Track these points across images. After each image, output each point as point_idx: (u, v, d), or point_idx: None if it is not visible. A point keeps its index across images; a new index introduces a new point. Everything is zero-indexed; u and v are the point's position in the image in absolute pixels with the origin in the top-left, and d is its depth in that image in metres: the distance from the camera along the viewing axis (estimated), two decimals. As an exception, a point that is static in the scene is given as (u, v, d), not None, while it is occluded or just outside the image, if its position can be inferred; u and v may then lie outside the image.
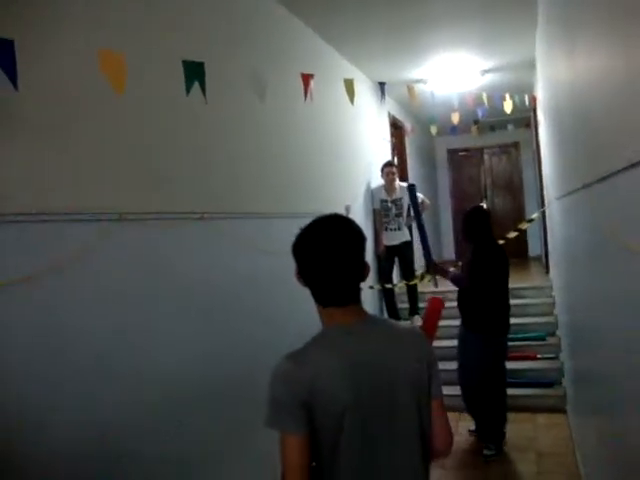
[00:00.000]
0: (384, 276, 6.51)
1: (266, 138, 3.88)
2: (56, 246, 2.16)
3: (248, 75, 3.54)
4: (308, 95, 3.77)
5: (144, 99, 2.66)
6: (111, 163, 2.46)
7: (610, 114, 1.94)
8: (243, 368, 3.33)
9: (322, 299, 1.60)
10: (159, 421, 2.62)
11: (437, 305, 3.57)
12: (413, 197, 5.03)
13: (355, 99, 4.32)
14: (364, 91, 6.49)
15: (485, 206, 11.22)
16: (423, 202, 6.68)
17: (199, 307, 3.01)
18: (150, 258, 2.67)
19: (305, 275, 1.59)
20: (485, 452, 4.43)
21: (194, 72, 2.58)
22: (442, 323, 6.13)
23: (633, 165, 1.56)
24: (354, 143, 6.15)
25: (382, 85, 6.82)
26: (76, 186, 2.28)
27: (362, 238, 1.62)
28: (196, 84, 2.64)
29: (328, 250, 1.55)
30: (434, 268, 4.69)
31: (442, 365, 5.23)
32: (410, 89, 6.07)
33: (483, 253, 4.30)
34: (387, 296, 6.56)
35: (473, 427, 4.69)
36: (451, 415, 1.81)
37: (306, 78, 3.74)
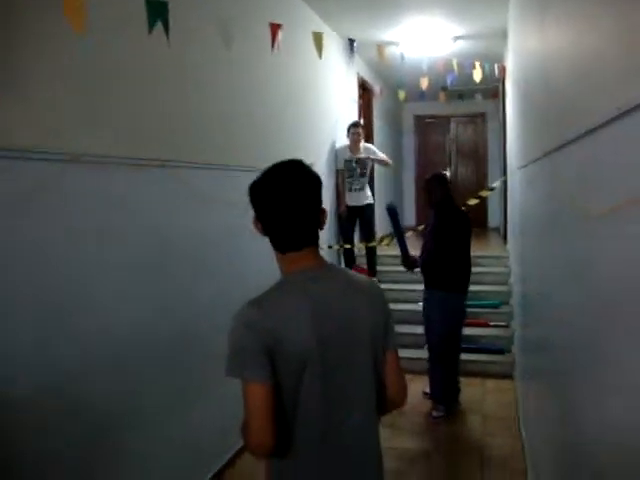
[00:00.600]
0: (345, 236, 6.52)
1: (231, 88, 3.80)
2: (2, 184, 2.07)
3: (214, 21, 3.44)
4: (276, 46, 3.69)
5: (105, 38, 2.56)
6: (68, 102, 2.37)
7: (573, 83, 1.94)
8: (197, 322, 3.31)
9: (280, 244, 1.59)
10: (111, 372, 2.59)
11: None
12: (395, 220, 4.74)
13: (324, 55, 4.25)
14: (333, 48, 6.39)
15: (448, 174, 11.34)
16: (384, 160, 6.80)
17: (155, 257, 2.96)
18: (107, 203, 2.60)
19: (263, 220, 1.58)
20: (434, 413, 4.54)
21: (157, 11, 2.49)
22: (405, 287, 6.34)
23: (591, 131, 1.57)
24: (321, 100, 6.08)
25: (352, 42, 6.71)
26: (27, 123, 2.18)
27: (318, 181, 1.62)
28: (159, 26, 2.54)
29: (284, 192, 1.54)
30: (411, 264, 4.73)
31: (404, 328, 5.35)
32: (380, 49, 6.00)
33: (446, 215, 4.40)
34: (347, 256, 6.58)
35: (427, 389, 4.78)
36: (406, 376, 1.85)
37: (274, 28, 3.66)
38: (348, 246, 6.44)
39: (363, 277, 1.74)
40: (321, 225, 1.63)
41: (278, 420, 1.47)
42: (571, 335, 2.02)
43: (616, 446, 1.38)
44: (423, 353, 4.85)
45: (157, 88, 2.96)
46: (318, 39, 4.18)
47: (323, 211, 1.63)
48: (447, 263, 4.39)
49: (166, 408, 3.01)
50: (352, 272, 1.76)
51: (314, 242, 1.61)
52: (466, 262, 4.53)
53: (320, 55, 4.21)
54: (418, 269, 4.67)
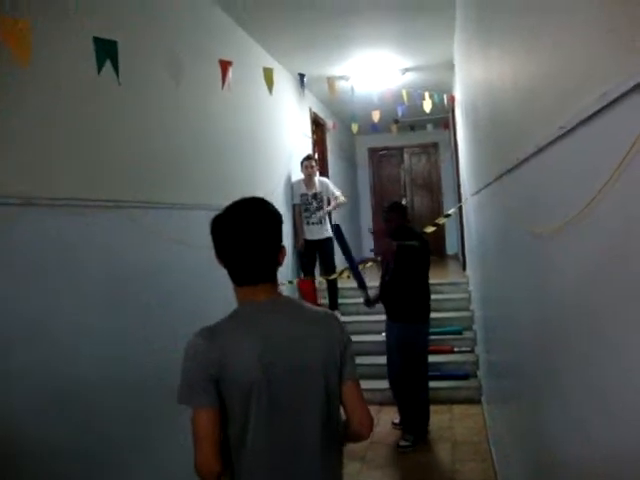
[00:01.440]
0: (305, 271, 6.50)
1: (182, 125, 3.77)
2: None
3: (163, 58, 3.44)
4: (226, 83, 3.70)
5: (52, 75, 2.50)
6: (16, 143, 2.31)
7: (518, 107, 2.00)
8: (154, 361, 3.23)
9: (236, 277, 1.65)
10: (67, 416, 2.50)
11: (306, 286, 3.35)
12: (340, 238, 4.64)
13: (274, 90, 4.28)
14: (284, 84, 6.44)
15: (404, 202, 11.48)
16: (338, 198, 6.77)
17: (112, 299, 2.89)
18: (60, 246, 2.52)
19: (220, 253, 1.63)
20: (401, 443, 4.49)
21: (106, 51, 2.47)
22: (367, 319, 6.32)
23: (537, 152, 1.62)
24: (274, 136, 6.09)
25: (302, 76, 6.79)
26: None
27: (277, 220, 1.67)
28: (108, 64, 2.52)
29: (242, 228, 1.60)
30: (372, 302, 4.73)
31: (367, 359, 5.35)
32: (330, 83, 6.09)
33: (404, 245, 4.37)
34: (308, 291, 6.56)
35: (397, 420, 4.75)
36: (371, 408, 1.86)
37: (224, 65, 3.68)
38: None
39: (319, 310, 1.77)
40: (279, 263, 1.67)
41: (226, 446, 1.56)
42: (532, 355, 2.03)
43: (584, 464, 1.39)
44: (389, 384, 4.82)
45: (107, 128, 2.91)
46: (268, 75, 4.22)
47: (282, 249, 1.67)
48: (406, 294, 4.38)
49: (128, 445, 2.92)
50: (307, 304, 1.79)
51: (270, 278, 1.66)
52: (425, 291, 4.51)
53: (270, 91, 4.24)
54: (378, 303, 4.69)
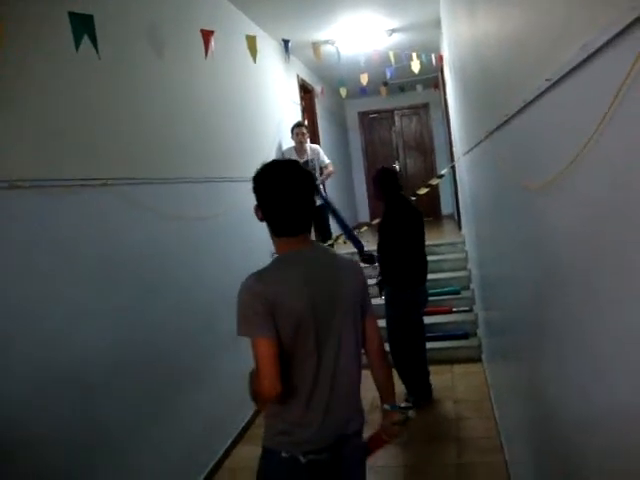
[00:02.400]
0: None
1: (167, 98, 3.71)
2: None
3: (145, 31, 3.38)
4: (209, 53, 3.64)
5: (29, 55, 2.46)
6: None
7: (505, 62, 1.97)
8: (153, 342, 3.23)
9: (278, 230, 1.87)
10: (66, 400, 2.50)
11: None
12: (332, 211, 5.02)
13: (259, 58, 4.22)
14: (269, 51, 6.35)
15: (397, 167, 11.43)
16: (327, 167, 6.73)
17: (108, 279, 2.88)
18: (48, 229, 2.50)
19: (264, 208, 1.85)
20: (401, 404, 4.51)
21: (83, 25, 2.42)
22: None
23: (525, 106, 1.60)
24: (262, 104, 6.02)
25: (286, 43, 6.68)
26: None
27: (313, 179, 1.92)
28: (87, 39, 2.47)
29: (285, 186, 1.81)
30: (368, 258, 4.77)
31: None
32: (316, 48, 6.00)
33: (393, 210, 4.35)
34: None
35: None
36: (367, 371, 2.09)
37: (207, 35, 3.61)
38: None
39: (347, 257, 2.06)
40: (313, 215, 1.91)
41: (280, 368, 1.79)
42: (529, 312, 2.04)
43: (582, 416, 1.40)
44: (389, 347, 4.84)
45: (90, 104, 2.86)
46: (252, 42, 4.15)
47: (315, 204, 1.94)
48: (394, 260, 4.35)
49: (132, 432, 2.94)
50: (336, 252, 2.08)
51: (307, 229, 1.90)
52: (418, 257, 4.46)
53: (254, 59, 4.17)
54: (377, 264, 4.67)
